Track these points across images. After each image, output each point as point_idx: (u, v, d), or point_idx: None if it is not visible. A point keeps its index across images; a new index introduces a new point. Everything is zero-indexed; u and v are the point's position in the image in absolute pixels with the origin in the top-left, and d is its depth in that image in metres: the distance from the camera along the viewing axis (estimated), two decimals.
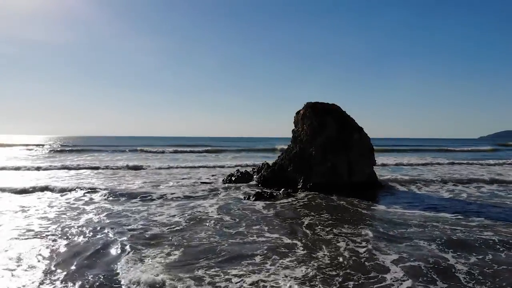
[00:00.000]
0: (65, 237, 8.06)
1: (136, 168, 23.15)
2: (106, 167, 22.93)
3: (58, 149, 47.36)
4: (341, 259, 6.71)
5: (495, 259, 6.79)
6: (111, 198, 13.07)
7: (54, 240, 7.81)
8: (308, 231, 8.73)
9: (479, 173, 21.99)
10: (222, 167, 24.70)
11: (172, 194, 13.89)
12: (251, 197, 13.46)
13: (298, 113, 17.37)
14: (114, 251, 7.21)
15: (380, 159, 31.37)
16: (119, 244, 7.53)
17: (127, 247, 7.33)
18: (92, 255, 6.93)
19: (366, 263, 6.52)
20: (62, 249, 7.27)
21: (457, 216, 10.48)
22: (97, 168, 22.73)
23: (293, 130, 17.55)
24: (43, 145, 55.89)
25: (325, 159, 15.69)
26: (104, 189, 14.52)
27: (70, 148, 48.50)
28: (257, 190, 14.57)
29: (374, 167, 16.99)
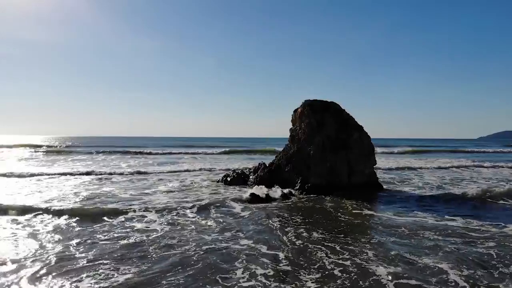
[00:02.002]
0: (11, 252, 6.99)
1: (126, 174, 20.83)
2: (90, 173, 20.55)
3: (50, 149, 46.09)
4: (328, 275, 5.96)
5: (498, 276, 5.99)
6: (89, 204, 11.69)
7: None
8: (294, 240, 7.91)
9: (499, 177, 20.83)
10: (217, 169, 24.06)
11: (159, 197, 13.13)
12: (246, 198, 12.85)
13: (296, 111, 16.77)
14: (65, 265, 6.35)
15: (394, 161, 30.82)
16: (74, 259, 6.71)
17: (83, 261, 6.52)
18: (31, 276, 5.90)
19: (360, 281, 5.75)
20: None
21: (462, 224, 9.45)
22: (82, 174, 20.12)
23: (290, 129, 16.94)
24: (40, 146, 54.87)
25: (324, 159, 15.08)
26: (84, 194, 13.85)
27: (65, 150, 47.36)
28: (253, 192, 13.94)
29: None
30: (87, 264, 6.38)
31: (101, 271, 6.08)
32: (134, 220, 9.61)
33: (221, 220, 9.79)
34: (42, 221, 9.42)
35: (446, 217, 10.35)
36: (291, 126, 17.02)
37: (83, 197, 12.89)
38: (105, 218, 9.80)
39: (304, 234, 8.40)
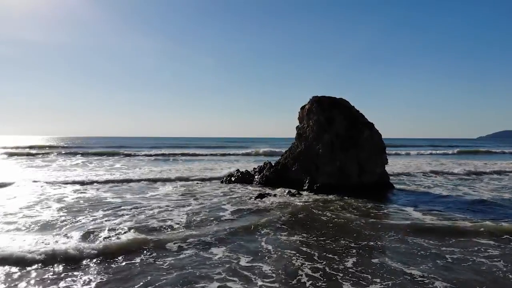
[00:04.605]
0: None
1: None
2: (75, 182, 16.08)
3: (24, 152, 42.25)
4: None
5: None
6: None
7: None
8: (279, 249, 7.07)
9: None
10: (219, 170, 23.38)
11: (157, 201, 12.46)
12: (252, 198, 12.19)
13: (303, 108, 16.09)
14: None
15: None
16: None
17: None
18: None
19: None
20: None
21: (476, 230, 8.27)
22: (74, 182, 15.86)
23: (297, 127, 16.26)
24: (36, 147, 53.44)
25: (333, 158, 14.40)
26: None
27: (47, 151, 41.49)
28: (259, 192, 13.28)
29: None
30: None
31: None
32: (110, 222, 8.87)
33: (213, 224, 8.94)
34: None
35: (459, 221, 9.22)
36: (298, 124, 16.35)
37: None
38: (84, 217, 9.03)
39: (293, 239, 7.77)
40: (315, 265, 6.18)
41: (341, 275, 5.79)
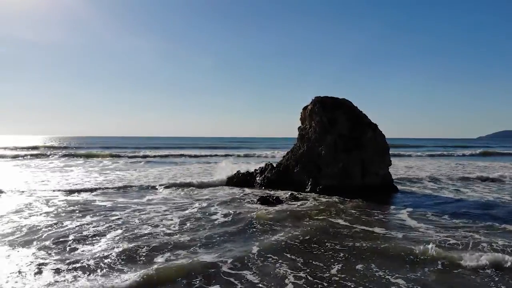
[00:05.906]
0: None
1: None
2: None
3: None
4: None
5: None
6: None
7: None
8: (268, 256, 6.73)
9: None
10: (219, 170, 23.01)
11: (153, 206, 12.10)
12: (254, 202, 11.88)
13: (305, 108, 15.80)
14: None
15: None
16: None
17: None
18: None
19: None
20: None
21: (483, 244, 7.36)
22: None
23: (299, 128, 15.97)
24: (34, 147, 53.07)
25: (336, 160, 14.12)
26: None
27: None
28: (261, 194, 12.99)
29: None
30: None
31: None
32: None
33: (207, 229, 8.60)
34: None
35: (461, 232, 8.37)
36: (300, 125, 16.06)
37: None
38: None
39: (285, 241, 7.53)
40: (299, 274, 5.89)
41: (326, 284, 5.55)
